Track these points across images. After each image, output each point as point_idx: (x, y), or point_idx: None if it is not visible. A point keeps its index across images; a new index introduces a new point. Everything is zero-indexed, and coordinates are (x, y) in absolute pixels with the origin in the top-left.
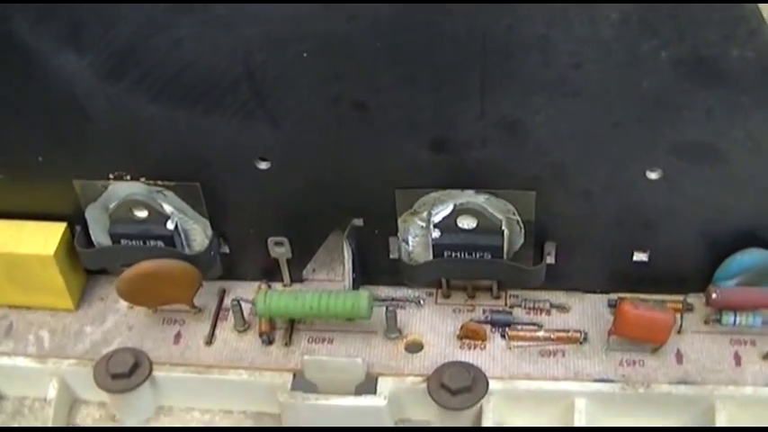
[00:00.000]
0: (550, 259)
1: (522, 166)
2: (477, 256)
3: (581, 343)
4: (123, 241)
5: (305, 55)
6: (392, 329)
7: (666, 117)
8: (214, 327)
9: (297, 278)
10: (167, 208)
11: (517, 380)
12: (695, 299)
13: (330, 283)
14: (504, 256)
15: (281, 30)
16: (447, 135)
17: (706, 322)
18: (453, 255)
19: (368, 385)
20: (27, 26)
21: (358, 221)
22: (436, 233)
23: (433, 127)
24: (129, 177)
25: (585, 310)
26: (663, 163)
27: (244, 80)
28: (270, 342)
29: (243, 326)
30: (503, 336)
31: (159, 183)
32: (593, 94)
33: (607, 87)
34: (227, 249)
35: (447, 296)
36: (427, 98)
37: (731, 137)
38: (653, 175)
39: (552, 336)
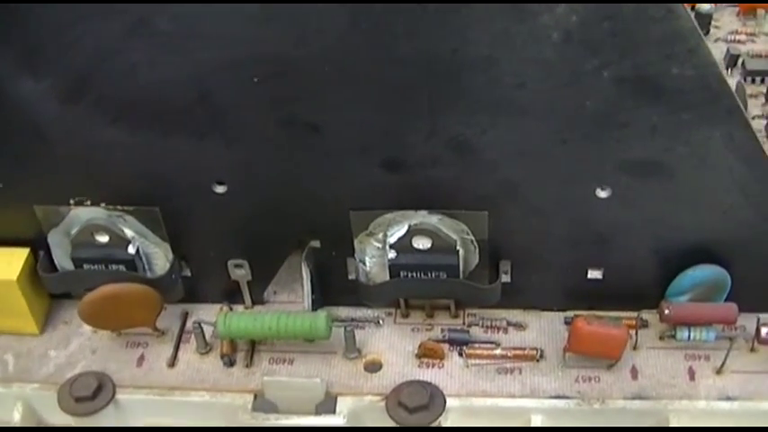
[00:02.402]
0: (506, 278)
1: (472, 185)
2: (434, 275)
3: (538, 360)
4: (85, 265)
5: (255, 79)
6: (351, 349)
7: (612, 134)
8: (177, 349)
9: (258, 300)
10: (128, 232)
11: (474, 397)
12: (650, 315)
13: (291, 304)
14: (460, 275)
15: (232, 54)
16: (398, 155)
17: (661, 338)
18: (410, 275)
19: (327, 404)
20: None
21: (315, 243)
22: (392, 254)
23: (384, 148)
24: (89, 202)
25: (542, 328)
26: (612, 180)
27: (197, 104)
28: (231, 363)
29: (205, 348)
30: (460, 354)
31: (119, 207)
32: (539, 112)
33: (552, 106)
34: (188, 272)
35: (405, 315)
36: (377, 119)
37: (676, 153)
38: (602, 194)
39: (509, 353)
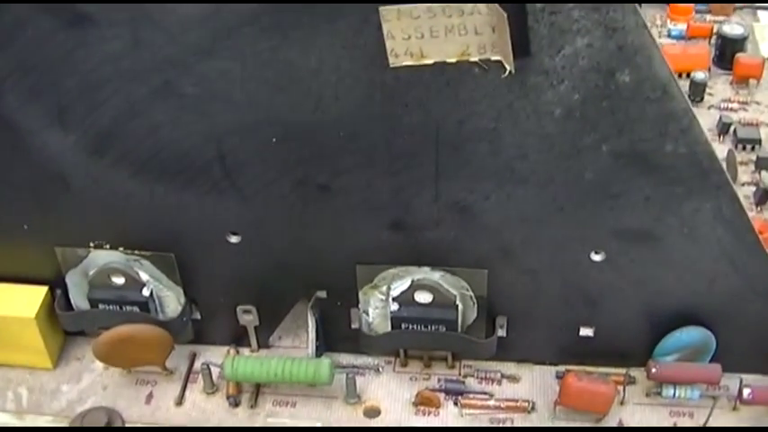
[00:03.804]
0: (502, 332)
1: (473, 246)
2: (433, 328)
3: (529, 412)
4: (101, 306)
5: (273, 140)
6: (352, 395)
7: (607, 204)
8: (184, 388)
9: (264, 344)
10: (143, 276)
11: None
12: (638, 372)
13: (295, 349)
14: (459, 328)
15: (251, 118)
16: (404, 217)
17: (647, 394)
18: (410, 327)
19: None
20: (16, 105)
21: (322, 293)
22: (395, 306)
23: (390, 209)
24: (108, 246)
25: (534, 381)
26: (605, 245)
27: (216, 162)
28: (236, 404)
29: (211, 388)
30: (456, 403)
31: (136, 252)
32: (539, 182)
33: (552, 176)
34: (198, 315)
35: (404, 365)
36: (385, 183)
37: (667, 223)
38: (596, 257)
39: (502, 405)
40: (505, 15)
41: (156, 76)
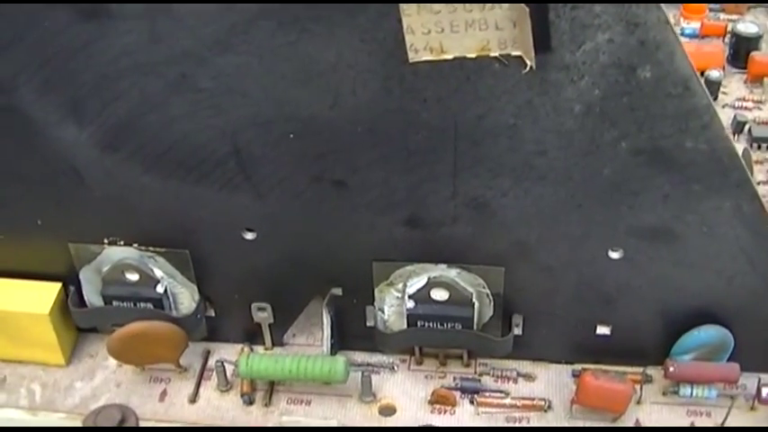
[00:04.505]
0: (518, 330)
1: (490, 243)
2: (449, 326)
3: (545, 411)
4: (115, 302)
5: (290, 136)
6: (367, 393)
7: (626, 201)
8: (198, 386)
9: (278, 342)
10: (157, 272)
11: None
12: (655, 371)
13: (309, 347)
14: (475, 326)
15: (267, 113)
16: (420, 213)
17: (664, 393)
18: (426, 324)
19: None
20: (31, 98)
21: (337, 290)
22: (411, 304)
23: (407, 205)
24: (122, 242)
25: (550, 380)
26: (623, 243)
27: (231, 157)
28: (251, 402)
29: (225, 386)
30: (471, 402)
31: (151, 249)
32: (558, 178)
33: (570, 173)
34: (212, 313)
35: (420, 363)
36: (402, 179)
37: (686, 221)
38: (614, 255)
39: (518, 403)
40: (527, 10)
41: (173, 70)
